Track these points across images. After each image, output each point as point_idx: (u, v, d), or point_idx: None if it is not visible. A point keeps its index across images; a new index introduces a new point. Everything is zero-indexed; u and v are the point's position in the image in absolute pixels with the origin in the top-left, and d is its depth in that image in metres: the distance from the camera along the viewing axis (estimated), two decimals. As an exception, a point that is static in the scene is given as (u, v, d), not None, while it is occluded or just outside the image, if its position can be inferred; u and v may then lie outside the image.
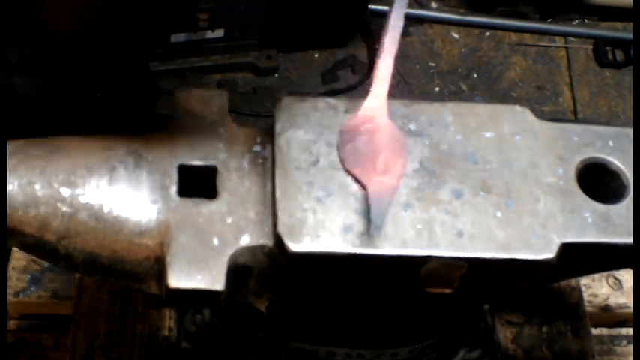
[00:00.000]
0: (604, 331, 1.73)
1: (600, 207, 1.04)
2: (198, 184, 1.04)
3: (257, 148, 1.07)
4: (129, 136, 1.06)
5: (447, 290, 1.04)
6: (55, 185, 1.00)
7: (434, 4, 2.86)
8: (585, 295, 1.62)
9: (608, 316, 1.71)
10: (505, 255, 0.99)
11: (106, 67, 2.11)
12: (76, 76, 2.02)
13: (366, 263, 0.99)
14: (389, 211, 0.99)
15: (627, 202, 1.05)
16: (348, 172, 1.03)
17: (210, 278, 0.97)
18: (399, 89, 2.52)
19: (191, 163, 1.04)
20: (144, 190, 1.02)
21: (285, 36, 2.61)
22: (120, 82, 2.19)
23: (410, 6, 2.79)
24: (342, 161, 1.03)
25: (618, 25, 2.88)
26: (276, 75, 2.67)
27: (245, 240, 1.00)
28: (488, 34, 2.84)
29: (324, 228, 0.99)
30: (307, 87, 2.65)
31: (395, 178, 1.02)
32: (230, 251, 0.99)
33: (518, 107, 1.11)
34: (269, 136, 1.07)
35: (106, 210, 1.00)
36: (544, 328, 1.53)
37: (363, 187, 1.01)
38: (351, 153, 1.03)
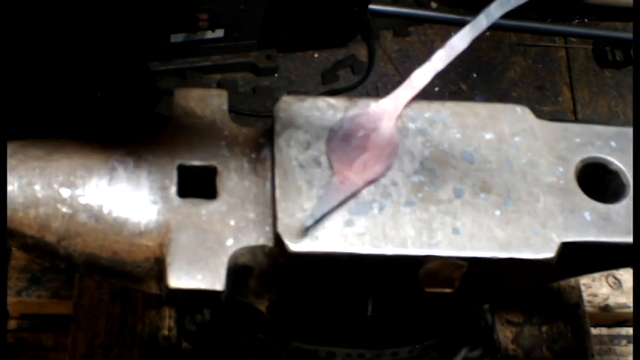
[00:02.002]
0: (604, 330, 1.73)
1: (600, 206, 1.04)
2: (198, 184, 1.04)
3: (257, 148, 1.07)
4: (129, 136, 1.06)
5: (448, 290, 1.04)
6: (55, 186, 1.00)
7: (434, 4, 2.86)
8: (585, 295, 1.62)
9: (607, 315, 1.71)
10: (505, 254, 0.99)
11: (106, 68, 2.11)
12: (76, 76, 2.02)
13: (365, 263, 0.99)
14: (335, 208, 0.99)
15: (627, 202, 1.05)
16: (327, 155, 1.03)
17: (211, 278, 0.97)
18: (399, 89, 2.51)
19: (191, 163, 1.04)
20: (144, 191, 1.02)
21: (285, 36, 2.61)
22: (120, 83, 2.19)
23: (410, 6, 2.80)
24: (328, 141, 1.03)
25: (618, 25, 2.88)
26: (276, 75, 2.67)
27: (245, 240, 1.00)
28: (488, 34, 2.83)
29: (323, 228, 0.99)
30: (307, 87, 2.65)
31: (362, 179, 1.02)
32: (230, 251, 0.99)
33: (518, 107, 1.11)
34: (269, 136, 1.07)
35: (105, 211, 1.00)
36: (544, 328, 1.53)
37: (332, 174, 1.01)
38: (340, 140, 1.03)
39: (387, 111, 1.04)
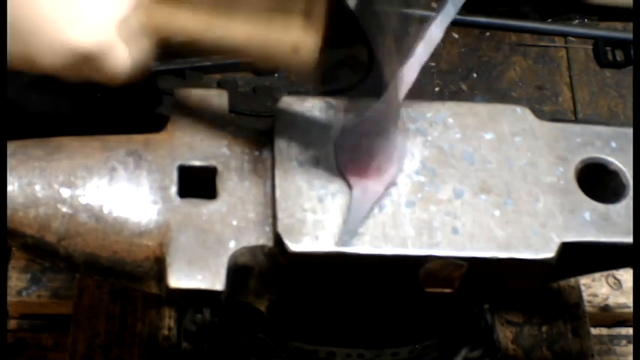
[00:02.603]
0: (604, 330, 1.73)
1: (600, 206, 1.04)
2: (198, 184, 1.04)
3: (257, 148, 1.07)
4: (129, 136, 1.06)
5: (448, 290, 1.04)
6: (55, 186, 1.00)
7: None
8: (585, 295, 1.62)
9: (607, 316, 1.71)
10: (505, 254, 0.99)
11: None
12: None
13: (366, 263, 0.99)
14: (365, 219, 0.99)
15: (627, 202, 1.05)
16: (339, 170, 1.02)
17: (211, 278, 0.97)
18: (399, 89, 2.51)
19: (191, 163, 1.04)
20: (144, 191, 1.02)
21: (284, 36, 2.61)
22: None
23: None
24: (336, 156, 1.03)
25: (618, 25, 2.88)
26: (276, 75, 2.66)
27: (245, 240, 1.00)
28: (488, 34, 2.83)
29: (324, 228, 0.99)
30: (307, 87, 2.64)
31: (382, 185, 1.01)
32: (230, 251, 0.99)
33: (518, 107, 1.11)
34: (269, 136, 1.07)
35: (106, 211, 1.00)
36: (544, 328, 1.53)
37: (350, 187, 1.01)
38: (348, 151, 1.03)
39: (385, 113, 1.04)
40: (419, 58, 1.03)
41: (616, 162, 1.07)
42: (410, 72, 1.03)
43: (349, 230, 0.98)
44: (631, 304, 1.69)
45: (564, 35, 2.85)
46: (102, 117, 2.10)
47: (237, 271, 1.00)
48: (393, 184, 1.02)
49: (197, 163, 1.04)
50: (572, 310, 1.55)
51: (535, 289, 1.07)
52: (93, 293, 1.50)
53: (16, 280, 1.64)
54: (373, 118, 1.04)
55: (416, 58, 1.03)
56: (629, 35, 2.80)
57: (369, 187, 1.01)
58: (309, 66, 1.00)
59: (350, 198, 1.00)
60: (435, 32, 1.03)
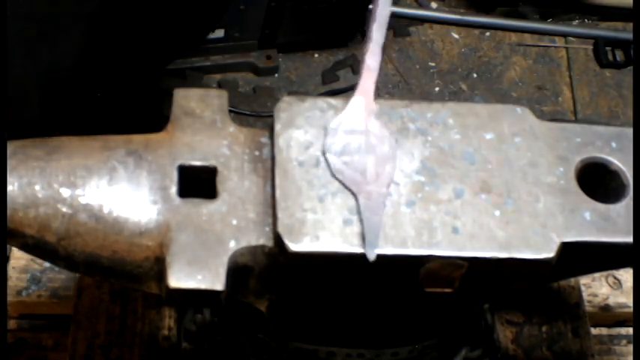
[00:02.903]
0: (604, 330, 1.73)
1: (600, 206, 1.04)
2: (198, 184, 1.04)
3: (257, 148, 1.07)
4: (129, 136, 1.06)
5: (448, 290, 1.04)
6: (55, 186, 1.00)
7: (434, 4, 2.86)
8: (585, 295, 1.62)
9: (607, 315, 1.71)
10: (505, 254, 0.99)
11: (108, 68, 2.11)
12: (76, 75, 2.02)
13: (366, 263, 0.99)
14: (381, 226, 0.99)
15: (627, 202, 1.05)
16: (338, 180, 1.02)
17: (211, 278, 0.97)
18: (399, 89, 2.53)
19: (191, 163, 1.04)
20: (144, 191, 1.02)
21: (285, 36, 2.61)
22: (121, 83, 2.19)
23: (410, 6, 2.80)
24: (328, 165, 1.02)
25: (618, 25, 2.88)
26: (276, 75, 2.67)
27: (245, 240, 1.00)
28: (488, 34, 2.84)
29: (323, 228, 0.99)
30: (307, 87, 2.65)
31: (384, 185, 1.01)
32: (230, 251, 0.99)
33: (518, 107, 1.11)
34: (269, 136, 1.07)
35: (105, 210, 1.00)
36: (544, 328, 1.53)
37: (354, 195, 1.01)
38: (340, 158, 1.02)
39: (362, 107, 1.04)
40: (377, 41, 1.03)
41: (616, 162, 1.07)
42: (373, 57, 1.03)
43: (370, 243, 0.97)
44: (631, 304, 1.69)
45: (564, 35, 2.86)
46: (102, 117, 2.11)
47: (237, 271, 1.00)
48: (392, 181, 1.02)
49: (197, 163, 1.04)
50: (572, 310, 1.56)
51: (535, 289, 1.07)
52: (93, 293, 1.50)
53: (16, 280, 1.64)
54: (354, 117, 1.04)
55: (374, 42, 1.03)
56: (629, 35, 2.80)
57: (372, 191, 1.00)
58: None
59: (354, 202, 1.00)
60: (381, 9, 1.03)
